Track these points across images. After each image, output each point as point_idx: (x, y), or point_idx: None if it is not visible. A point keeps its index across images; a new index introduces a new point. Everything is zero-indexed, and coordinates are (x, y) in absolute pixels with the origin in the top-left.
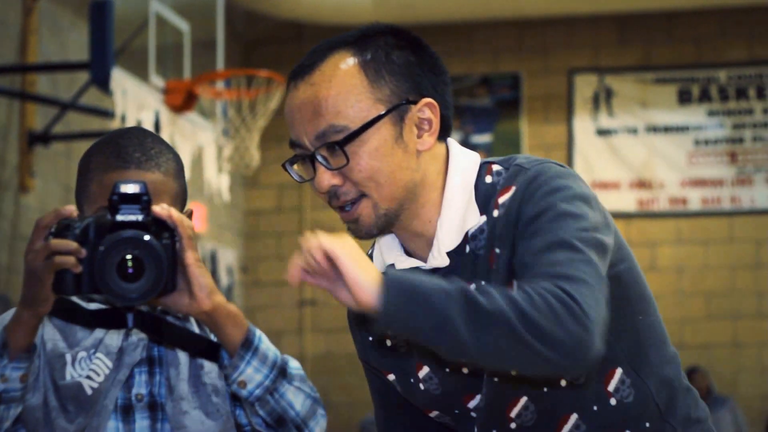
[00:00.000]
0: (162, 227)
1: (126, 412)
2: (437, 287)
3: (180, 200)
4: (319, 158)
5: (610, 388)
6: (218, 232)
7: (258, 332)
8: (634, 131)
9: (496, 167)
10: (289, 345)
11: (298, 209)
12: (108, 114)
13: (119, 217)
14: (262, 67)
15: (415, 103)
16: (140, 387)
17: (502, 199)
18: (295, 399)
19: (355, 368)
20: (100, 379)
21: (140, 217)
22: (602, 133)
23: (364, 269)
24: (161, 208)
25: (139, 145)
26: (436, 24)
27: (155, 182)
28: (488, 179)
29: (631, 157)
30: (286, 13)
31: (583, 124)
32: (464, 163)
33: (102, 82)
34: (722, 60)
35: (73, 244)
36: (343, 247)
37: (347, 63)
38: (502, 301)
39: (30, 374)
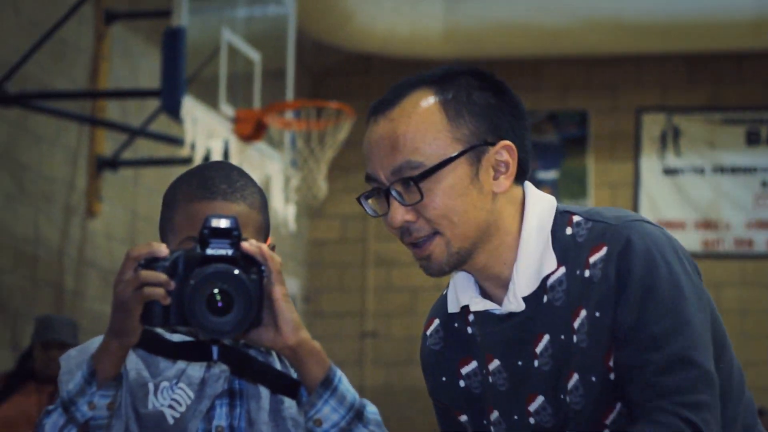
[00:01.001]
0: (250, 262)
1: None
2: None
3: (263, 233)
4: (394, 193)
5: None
6: (282, 261)
7: (339, 372)
8: (701, 171)
9: (576, 218)
10: (350, 376)
11: (362, 240)
12: (177, 141)
13: (209, 251)
14: (331, 99)
15: (493, 144)
16: (221, 419)
17: (593, 259)
18: None
19: (415, 402)
20: (182, 409)
21: (230, 252)
22: (669, 172)
23: None
24: (250, 244)
25: (225, 177)
26: (504, 59)
27: (240, 214)
28: (568, 230)
29: (698, 197)
30: (355, 45)
31: (650, 163)
32: (541, 208)
33: (172, 109)
34: None
35: (162, 276)
36: None
37: (428, 101)
38: None
39: (116, 403)
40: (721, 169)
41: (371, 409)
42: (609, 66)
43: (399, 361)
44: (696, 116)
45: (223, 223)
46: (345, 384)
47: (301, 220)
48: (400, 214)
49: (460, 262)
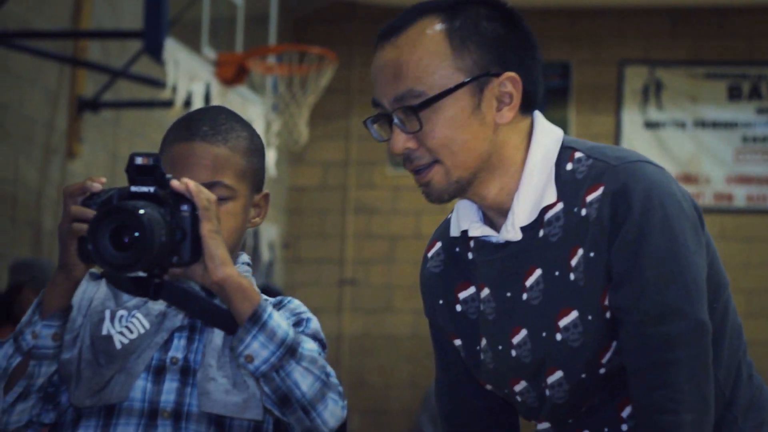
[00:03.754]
0: (180, 199)
1: (158, 372)
2: None
3: (248, 178)
4: (396, 120)
5: None
6: None
7: (270, 308)
8: (682, 125)
9: (578, 154)
10: (328, 324)
11: (342, 188)
12: (158, 84)
13: (133, 188)
14: (313, 45)
15: (497, 75)
16: (177, 351)
17: (589, 198)
18: (302, 380)
19: (393, 349)
20: (133, 336)
21: (152, 189)
22: (650, 125)
23: None
24: (178, 182)
25: (210, 120)
26: None
27: (218, 156)
28: (569, 166)
29: (678, 151)
30: None
31: (632, 116)
32: (548, 140)
33: (154, 51)
34: None
35: (88, 212)
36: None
37: (434, 29)
38: None
39: (64, 334)
40: (702, 124)
41: (308, 347)
42: (592, 18)
43: (377, 309)
44: (678, 70)
45: (145, 161)
46: (276, 320)
47: (282, 166)
48: (401, 141)
49: (460, 190)
